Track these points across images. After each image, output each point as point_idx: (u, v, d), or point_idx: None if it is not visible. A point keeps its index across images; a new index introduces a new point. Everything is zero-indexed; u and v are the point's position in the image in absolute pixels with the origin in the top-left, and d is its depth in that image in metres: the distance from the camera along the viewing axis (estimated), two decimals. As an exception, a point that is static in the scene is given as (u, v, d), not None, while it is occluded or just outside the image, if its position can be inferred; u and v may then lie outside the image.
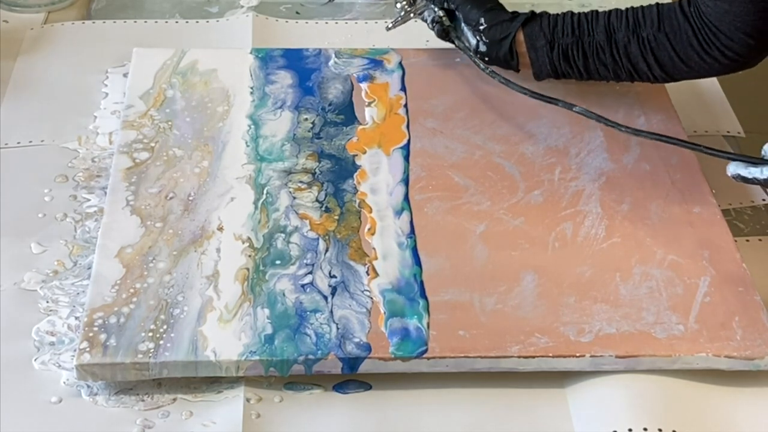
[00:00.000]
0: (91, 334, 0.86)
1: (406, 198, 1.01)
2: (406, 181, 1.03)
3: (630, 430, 0.84)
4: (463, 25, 1.10)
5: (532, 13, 1.07)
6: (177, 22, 1.29)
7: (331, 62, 1.17)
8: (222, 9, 1.32)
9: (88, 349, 0.85)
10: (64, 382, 0.87)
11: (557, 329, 0.89)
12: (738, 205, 1.07)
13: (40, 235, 0.98)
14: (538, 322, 0.90)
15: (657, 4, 1.03)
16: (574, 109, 1.01)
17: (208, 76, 1.14)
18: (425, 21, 1.13)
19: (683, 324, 0.90)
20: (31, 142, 1.09)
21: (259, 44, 1.23)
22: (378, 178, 1.03)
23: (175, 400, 0.86)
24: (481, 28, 1.08)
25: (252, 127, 1.08)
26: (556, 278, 0.93)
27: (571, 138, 1.08)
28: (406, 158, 1.05)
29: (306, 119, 1.09)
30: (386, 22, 1.17)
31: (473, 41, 1.09)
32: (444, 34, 1.12)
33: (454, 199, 1.01)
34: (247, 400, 0.86)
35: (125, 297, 0.90)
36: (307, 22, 1.31)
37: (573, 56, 1.04)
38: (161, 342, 0.86)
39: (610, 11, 1.04)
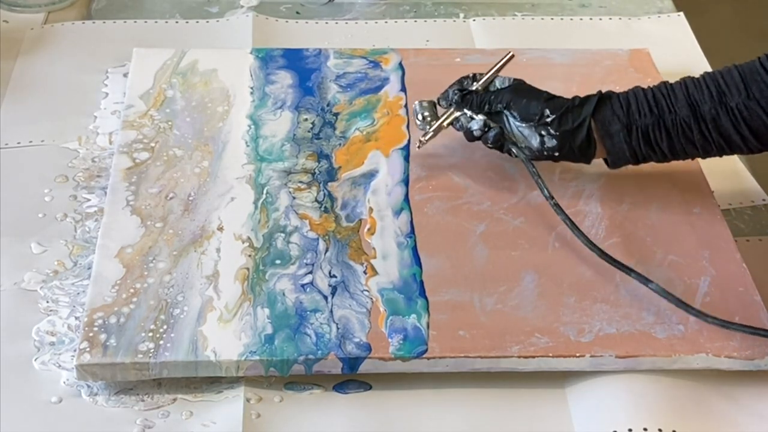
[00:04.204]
0: (91, 334, 0.86)
1: (406, 198, 1.01)
2: (405, 181, 1.03)
3: (630, 430, 0.84)
4: (516, 124, 0.98)
5: (599, 94, 0.97)
6: (177, 22, 1.29)
7: (330, 62, 1.17)
8: (222, 9, 1.32)
9: (88, 349, 0.85)
10: (64, 382, 0.87)
11: (557, 329, 0.89)
12: (738, 205, 1.07)
13: (40, 235, 0.98)
14: (538, 322, 0.90)
15: (736, 67, 0.95)
16: (649, 285, 0.90)
17: (208, 76, 1.14)
18: (462, 130, 1.01)
19: (683, 324, 0.90)
20: (31, 142, 1.09)
21: (259, 44, 1.23)
22: (376, 179, 1.03)
23: (175, 400, 0.86)
24: (549, 119, 0.96)
25: (252, 127, 1.08)
26: (556, 278, 0.93)
27: (571, 138, 1.08)
28: (407, 158, 1.05)
29: (306, 119, 1.09)
30: (417, 142, 1.03)
31: (535, 140, 0.97)
32: (499, 140, 0.99)
33: (454, 199, 1.01)
34: (247, 400, 0.86)
35: (125, 297, 0.90)
36: (307, 22, 1.31)
37: (655, 138, 0.95)
38: (161, 342, 0.86)
39: (684, 82, 0.96)
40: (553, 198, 0.96)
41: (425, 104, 1.03)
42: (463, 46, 1.26)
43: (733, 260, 0.96)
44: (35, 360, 0.88)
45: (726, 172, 1.08)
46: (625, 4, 1.37)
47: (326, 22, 1.31)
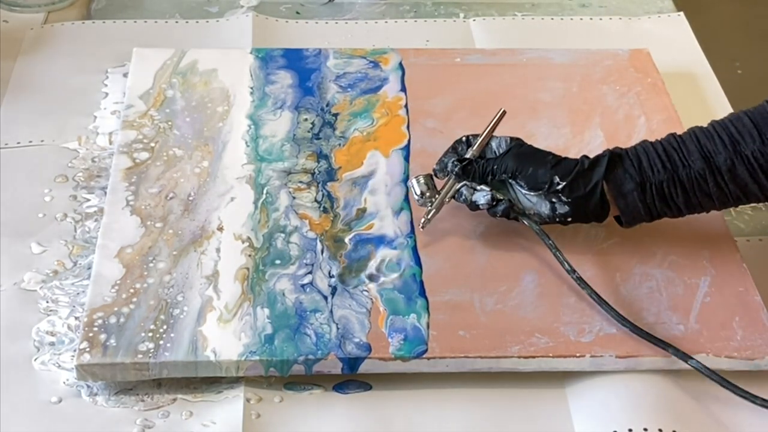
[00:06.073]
0: (91, 334, 0.86)
1: (406, 198, 1.01)
2: (405, 181, 1.03)
3: (630, 430, 0.84)
4: (523, 192, 0.93)
5: (609, 153, 0.93)
6: (177, 22, 1.29)
7: (330, 62, 1.17)
8: (222, 9, 1.32)
9: (88, 349, 0.85)
10: (64, 382, 0.87)
11: (557, 329, 0.89)
12: (738, 205, 1.07)
13: (40, 235, 0.98)
14: (538, 322, 0.90)
15: (746, 113, 0.92)
16: (689, 362, 0.86)
17: (208, 76, 1.14)
18: (465, 202, 0.95)
19: (683, 324, 0.90)
20: (31, 142, 1.09)
21: (259, 44, 1.23)
22: (376, 179, 1.03)
23: (175, 400, 0.86)
24: (559, 187, 0.91)
25: (252, 127, 1.08)
26: (556, 278, 0.93)
27: (572, 138, 1.08)
28: (406, 158, 1.05)
29: (306, 119, 1.09)
30: (421, 222, 0.96)
31: (545, 207, 0.93)
32: (508, 213, 0.94)
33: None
34: (247, 400, 0.86)
35: (125, 297, 0.90)
36: (307, 22, 1.31)
37: (670, 193, 0.91)
38: (161, 342, 0.86)
39: (694, 132, 0.92)
40: (575, 272, 0.91)
41: (422, 180, 0.96)
42: (463, 46, 1.26)
43: (733, 260, 0.96)
44: (35, 360, 0.88)
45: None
46: (625, 4, 1.37)
47: (326, 22, 1.31)
